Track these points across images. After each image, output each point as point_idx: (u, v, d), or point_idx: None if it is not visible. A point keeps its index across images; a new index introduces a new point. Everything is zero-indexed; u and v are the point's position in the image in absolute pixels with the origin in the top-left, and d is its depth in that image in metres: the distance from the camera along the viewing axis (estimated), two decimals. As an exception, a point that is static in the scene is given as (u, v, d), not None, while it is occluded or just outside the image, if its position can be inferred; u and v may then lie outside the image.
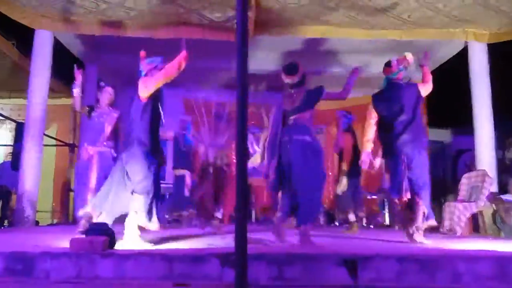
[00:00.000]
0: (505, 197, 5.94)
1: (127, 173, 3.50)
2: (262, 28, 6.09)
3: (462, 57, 7.02)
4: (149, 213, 3.49)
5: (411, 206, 3.95)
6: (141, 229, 3.52)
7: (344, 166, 5.76)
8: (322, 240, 3.97)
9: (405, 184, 3.89)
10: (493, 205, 5.94)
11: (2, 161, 7.83)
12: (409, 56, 4.18)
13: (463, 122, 7.37)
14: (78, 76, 4.72)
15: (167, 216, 6.32)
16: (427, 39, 6.64)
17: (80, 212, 3.88)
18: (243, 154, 2.07)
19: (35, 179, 5.94)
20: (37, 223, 6.45)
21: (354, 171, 5.73)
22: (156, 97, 3.65)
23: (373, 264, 2.76)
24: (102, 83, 4.94)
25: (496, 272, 2.80)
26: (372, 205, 8.02)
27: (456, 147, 9.74)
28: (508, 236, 5.54)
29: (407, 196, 3.88)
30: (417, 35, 6.46)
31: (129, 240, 3.38)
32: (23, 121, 6.49)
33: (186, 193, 6.04)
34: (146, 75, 3.70)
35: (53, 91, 6.76)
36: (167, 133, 5.81)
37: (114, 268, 2.71)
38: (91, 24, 6.20)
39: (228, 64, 6.48)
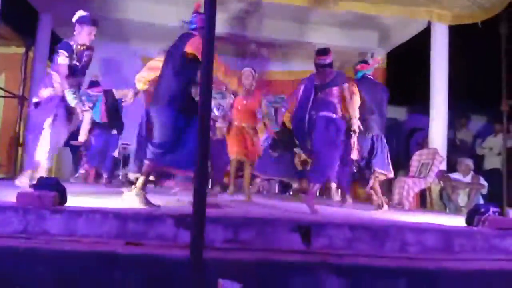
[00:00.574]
0: (453, 175, 6.21)
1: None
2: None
3: (423, 37, 7.15)
4: None
5: None
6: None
7: None
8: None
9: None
10: (441, 182, 6.21)
11: None
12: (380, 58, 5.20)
13: (419, 101, 7.57)
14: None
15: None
16: (392, 15, 6.72)
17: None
18: (206, 114, 2.01)
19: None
20: (-20, 177, 6.15)
21: None
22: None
23: (326, 231, 2.82)
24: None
25: (441, 244, 2.94)
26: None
27: (411, 125, 10.03)
28: (452, 213, 5.83)
29: None
30: (383, 10, 6.49)
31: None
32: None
33: None
34: (195, 29, 3.65)
35: (3, 39, 6.33)
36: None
37: (64, 225, 2.62)
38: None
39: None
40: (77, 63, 4.32)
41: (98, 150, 6.46)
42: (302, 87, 4.43)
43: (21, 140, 7.13)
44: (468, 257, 2.89)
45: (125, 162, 7.20)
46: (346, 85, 4.33)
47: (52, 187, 2.82)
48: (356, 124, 4.37)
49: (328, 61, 4.39)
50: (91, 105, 5.55)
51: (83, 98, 4.62)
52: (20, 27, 7.42)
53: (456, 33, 6.76)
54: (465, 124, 8.15)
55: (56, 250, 2.36)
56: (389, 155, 4.83)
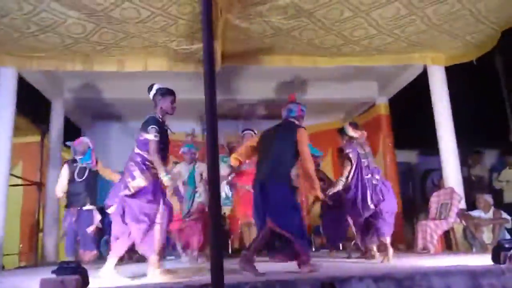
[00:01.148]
0: (474, 213, 6.10)
1: None
2: (229, 59, 6.20)
3: (422, 79, 7.31)
4: None
5: None
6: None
7: None
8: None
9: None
10: (463, 221, 6.09)
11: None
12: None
13: (428, 142, 7.60)
14: None
15: None
16: (388, 64, 6.92)
17: None
18: (216, 185, 2.08)
19: (0, 221, 5.74)
20: (2, 267, 6.18)
21: None
22: None
23: (351, 285, 2.78)
24: None
25: (470, 286, 2.87)
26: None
27: (424, 167, 9.99)
28: (478, 251, 5.68)
29: None
30: (378, 61, 6.69)
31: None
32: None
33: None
34: (295, 117, 4.18)
35: (17, 129, 6.61)
36: None
37: (88, 308, 2.62)
38: (56, 60, 6.16)
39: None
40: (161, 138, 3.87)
41: None
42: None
43: (41, 226, 7.22)
44: (499, 296, 2.81)
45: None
46: None
47: (74, 271, 2.85)
48: None
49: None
50: None
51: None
52: (35, 116, 7.77)
53: (453, 71, 6.90)
54: (478, 159, 8.11)
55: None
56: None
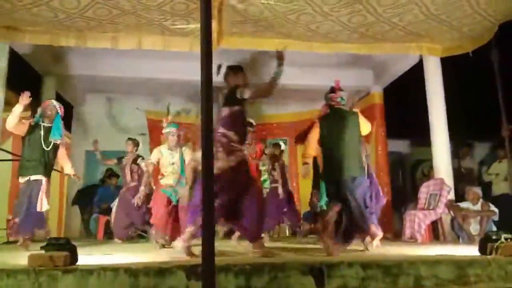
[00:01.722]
0: (462, 204, 6.16)
1: None
2: (225, 40, 6.12)
3: (417, 70, 7.30)
4: None
5: None
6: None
7: None
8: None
9: None
10: (451, 212, 6.16)
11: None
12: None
13: (420, 132, 7.64)
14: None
15: None
16: (383, 53, 6.89)
17: None
18: (209, 163, 2.06)
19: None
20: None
21: None
22: None
23: (339, 271, 2.80)
24: None
25: (456, 275, 2.91)
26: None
27: (414, 158, 10.06)
28: (465, 242, 5.75)
29: None
30: (375, 49, 6.66)
31: None
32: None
33: None
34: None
35: (7, 104, 6.51)
36: None
37: (77, 284, 2.61)
38: (49, 34, 6.04)
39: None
40: None
41: None
42: None
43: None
44: (485, 287, 2.85)
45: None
46: None
47: (62, 247, 2.84)
48: None
49: None
50: None
51: None
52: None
53: (449, 63, 6.91)
54: (468, 152, 8.18)
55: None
56: None
